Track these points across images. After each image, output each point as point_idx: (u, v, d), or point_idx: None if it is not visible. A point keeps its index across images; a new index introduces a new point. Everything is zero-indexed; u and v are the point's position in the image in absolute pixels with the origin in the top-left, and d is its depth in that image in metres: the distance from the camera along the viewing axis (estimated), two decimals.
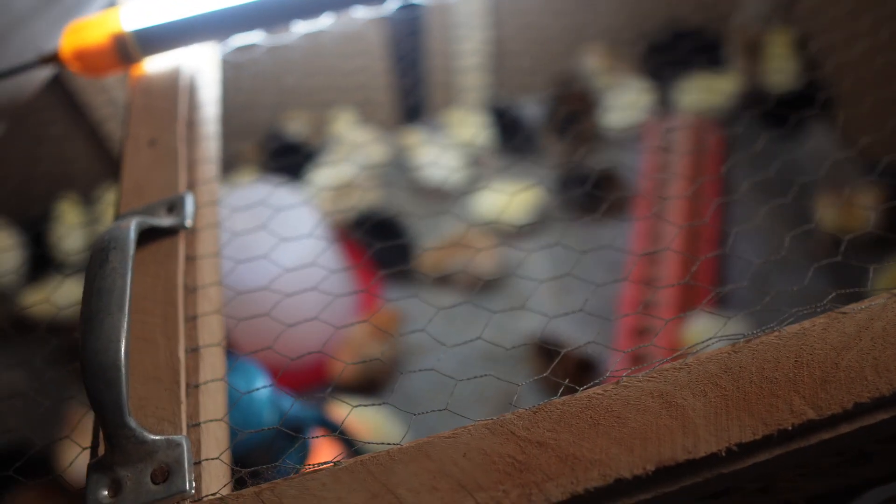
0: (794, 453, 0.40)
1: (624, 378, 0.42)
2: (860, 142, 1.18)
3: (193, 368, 0.47)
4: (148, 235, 0.53)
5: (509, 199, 1.12)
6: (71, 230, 1.29)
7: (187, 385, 0.46)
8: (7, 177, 1.20)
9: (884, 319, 0.43)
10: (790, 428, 0.39)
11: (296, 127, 1.27)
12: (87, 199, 1.34)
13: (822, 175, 1.17)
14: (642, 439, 0.39)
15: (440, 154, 1.25)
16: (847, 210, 1.09)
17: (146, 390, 0.46)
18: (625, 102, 1.29)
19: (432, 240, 1.20)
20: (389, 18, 1.21)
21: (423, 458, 0.39)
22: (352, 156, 1.25)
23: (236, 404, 0.74)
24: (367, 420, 1.00)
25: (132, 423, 0.42)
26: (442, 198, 1.27)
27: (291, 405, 0.88)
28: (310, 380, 1.10)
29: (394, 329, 1.09)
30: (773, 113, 1.23)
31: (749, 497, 0.44)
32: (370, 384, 1.06)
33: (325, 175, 1.23)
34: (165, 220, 0.54)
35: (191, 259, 0.53)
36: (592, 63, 1.33)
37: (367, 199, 1.23)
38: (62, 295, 1.23)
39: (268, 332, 0.82)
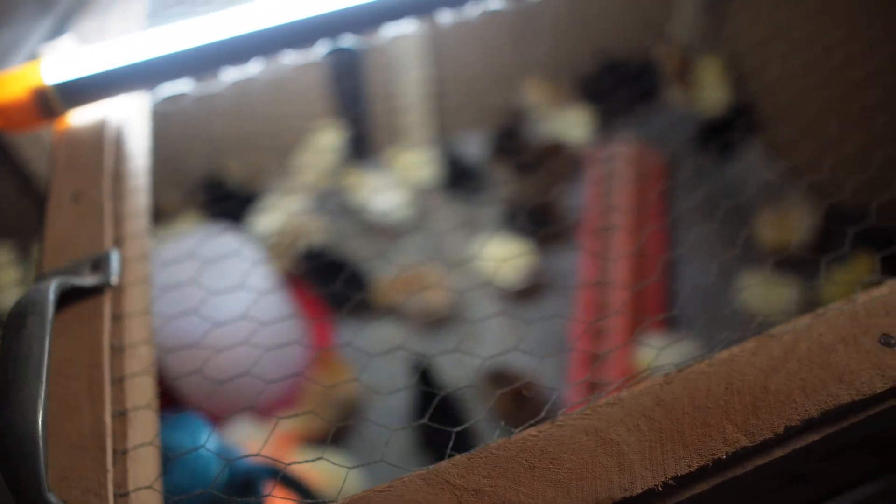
0: (731, 482, 0.40)
1: (559, 417, 0.42)
2: (790, 160, 1.22)
3: (121, 433, 0.46)
4: (71, 296, 0.52)
5: (503, 262, 1.12)
6: (3, 288, 1.25)
7: (114, 451, 0.45)
8: None
9: (808, 340, 0.43)
10: (724, 457, 0.39)
11: (234, 173, 1.26)
12: (23, 254, 1.30)
13: (757, 194, 1.20)
14: (578, 479, 0.38)
15: (386, 192, 1.25)
16: (782, 226, 1.12)
17: (70, 460, 0.44)
18: (563, 129, 1.31)
19: (384, 275, 1.19)
20: (328, 61, 1.21)
21: None
22: (295, 198, 1.24)
23: (181, 462, 0.72)
24: (323, 470, 0.97)
25: (52, 498, 0.40)
26: (389, 235, 1.27)
27: (241, 457, 0.86)
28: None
29: (344, 375, 1.08)
30: (708, 136, 1.27)
31: None
32: (325, 433, 1.04)
33: (269, 219, 1.21)
34: (89, 279, 0.52)
35: (118, 318, 0.52)
36: (532, 96, 1.36)
37: (313, 240, 1.22)
38: None
39: (214, 384, 0.80)
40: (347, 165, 1.29)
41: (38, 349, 0.43)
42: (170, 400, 1.04)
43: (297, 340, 1.06)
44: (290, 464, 0.50)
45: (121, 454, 0.45)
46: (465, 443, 0.94)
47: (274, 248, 1.19)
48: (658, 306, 1.14)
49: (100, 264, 0.54)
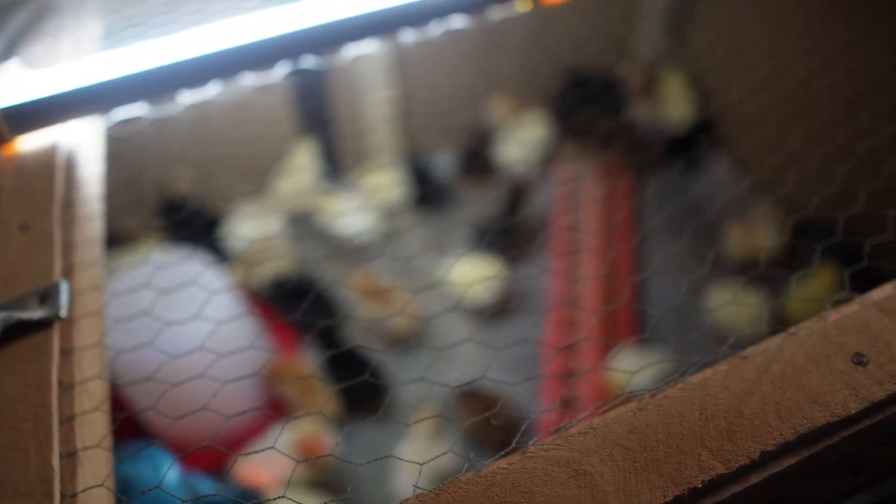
0: None
1: (530, 447, 0.40)
2: (755, 174, 1.23)
3: (70, 476, 0.43)
4: (18, 330, 0.49)
5: (473, 283, 1.11)
6: None
7: (62, 495, 0.42)
8: None
9: (781, 361, 0.43)
10: (700, 485, 0.38)
11: (196, 195, 1.23)
12: None
13: (724, 209, 1.21)
14: None
15: (354, 213, 1.23)
16: (750, 241, 1.12)
17: None
18: (526, 142, 1.30)
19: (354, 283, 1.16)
20: (292, 81, 1.19)
21: None
22: (267, 219, 1.21)
23: (143, 498, 0.69)
24: (298, 497, 0.95)
25: None
26: (358, 257, 1.25)
27: (208, 489, 0.83)
28: (228, 457, 1.04)
29: (317, 397, 1.05)
30: (673, 151, 1.27)
31: None
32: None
33: (237, 239, 1.19)
34: (37, 313, 0.49)
35: (67, 352, 0.49)
36: (498, 114, 1.35)
37: (280, 262, 1.20)
38: None
39: (174, 417, 0.77)
40: (318, 186, 1.27)
41: None
42: (135, 431, 1.00)
43: (259, 371, 1.03)
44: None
45: (69, 498, 0.42)
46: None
47: (240, 269, 1.16)
48: (629, 326, 1.13)
49: (48, 296, 0.51)
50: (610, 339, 1.07)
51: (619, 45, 1.44)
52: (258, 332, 1.09)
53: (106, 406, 0.49)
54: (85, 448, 0.45)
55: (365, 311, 1.13)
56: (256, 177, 1.25)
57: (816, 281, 1.05)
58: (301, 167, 1.24)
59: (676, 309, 1.10)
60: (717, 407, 0.41)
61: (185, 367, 0.84)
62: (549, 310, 1.14)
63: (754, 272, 1.07)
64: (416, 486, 0.39)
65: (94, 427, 0.47)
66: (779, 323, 1.01)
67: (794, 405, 0.40)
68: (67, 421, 0.46)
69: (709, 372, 0.43)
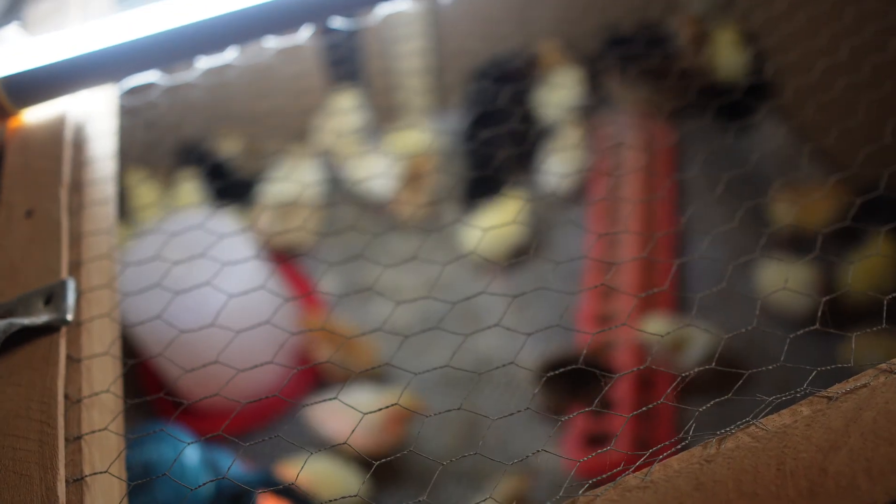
0: None
1: (579, 498, 0.36)
2: (812, 139, 1.15)
3: None
4: (20, 336, 0.45)
5: (486, 232, 1.06)
6: None
7: None
8: None
9: (873, 408, 0.37)
10: None
11: (230, 151, 1.19)
12: None
13: (774, 171, 1.13)
14: None
15: (383, 168, 1.18)
16: (801, 205, 1.05)
17: None
18: (566, 92, 1.23)
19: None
20: (326, 37, 1.13)
21: None
22: (292, 177, 1.17)
23: (166, 478, 0.67)
24: (319, 472, 0.93)
25: None
26: (387, 213, 1.20)
27: (231, 465, 0.81)
28: (261, 419, 1.02)
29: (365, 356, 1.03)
30: (724, 108, 1.19)
31: None
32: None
33: (266, 198, 1.15)
34: (40, 317, 0.45)
35: (74, 361, 0.45)
36: (542, 59, 1.27)
37: (312, 219, 1.16)
38: None
39: (212, 374, 0.74)
40: (355, 138, 1.21)
41: None
42: (166, 404, 0.99)
43: (293, 335, 1.00)
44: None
45: None
46: None
47: (270, 227, 1.12)
48: (666, 296, 1.08)
49: (53, 297, 0.47)
50: (648, 298, 1.02)
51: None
52: (287, 295, 1.06)
53: (118, 423, 0.45)
54: (93, 473, 0.41)
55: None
56: (287, 137, 1.21)
57: (869, 247, 0.98)
58: (344, 110, 1.19)
59: (718, 271, 1.05)
60: (798, 462, 0.36)
61: (216, 334, 0.81)
62: (585, 258, 1.10)
63: (804, 235, 1.00)
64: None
65: (106, 447, 0.44)
66: (827, 289, 0.96)
67: (888, 465, 0.35)
68: (74, 441, 0.42)
69: (787, 417, 0.38)
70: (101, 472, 0.42)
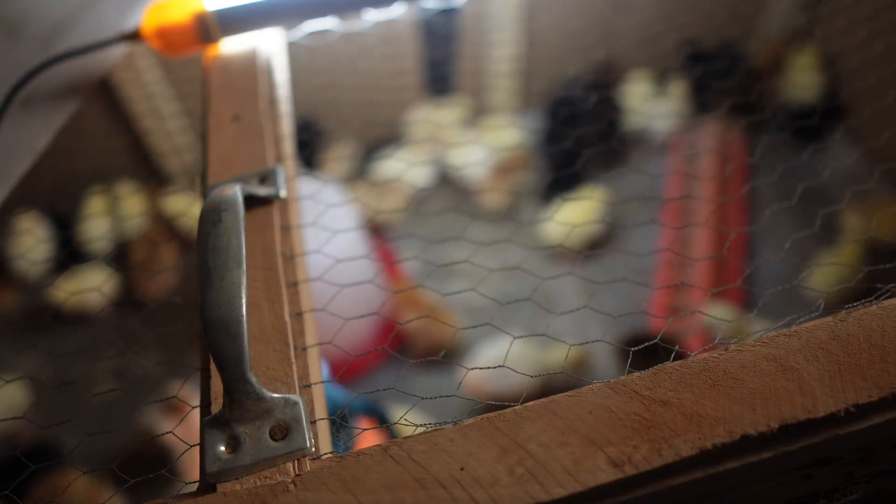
0: None
1: (733, 343, 0.43)
2: (887, 162, 1.21)
3: (299, 332, 0.48)
4: (245, 203, 0.54)
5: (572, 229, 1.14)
6: (99, 222, 1.29)
7: (295, 347, 0.47)
8: (42, 171, 1.20)
9: None
10: None
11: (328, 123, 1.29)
12: (118, 194, 1.34)
13: (845, 186, 1.20)
14: (762, 399, 0.40)
15: (478, 156, 1.27)
16: (874, 220, 1.11)
17: (255, 351, 0.46)
18: (661, 110, 1.32)
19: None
20: (422, 22, 1.23)
21: (549, 415, 0.40)
22: (397, 158, 1.26)
23: None
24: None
25: (252, 378, 0.42)
26: (475, 200, 1.29)
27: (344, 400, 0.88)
28: (363, 367, 1.10)
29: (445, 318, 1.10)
30: (798, 126, 1.27)
31: (849, 466, 0.45)
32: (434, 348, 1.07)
33: (372, 176, 1.25)
34: (262, 190, 0.54)
35: (285, 229, 0.54)
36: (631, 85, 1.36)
37: (407, 199, 1.25)
38: (88, 282, 1.22)
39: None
40: (456, 127, 1.30)
41: (236, 242, 0.45)
42: None
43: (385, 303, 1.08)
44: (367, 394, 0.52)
45: (301, 350, 0.47)
46: None
47: (371, 202, 1.21)
48: (738, 284, 1.14)
49: (267, 178, 0.56)
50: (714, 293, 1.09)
51: (745, 20, 1.43)
52: (380, 264, 1.15)
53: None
54: (307, 312, 0.50)
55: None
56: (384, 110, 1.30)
57: None
58: (447, 118, 1.28)
59: (783, 273, 1.11)
60: None
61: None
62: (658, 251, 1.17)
63: (871, 245, 1.06)
64: (627, 369, 0.42)
65: (307, 296, 0.52)
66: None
67: None
68: (292, 286, 0.51)
69: None
70: (308, 311, 0.50)
